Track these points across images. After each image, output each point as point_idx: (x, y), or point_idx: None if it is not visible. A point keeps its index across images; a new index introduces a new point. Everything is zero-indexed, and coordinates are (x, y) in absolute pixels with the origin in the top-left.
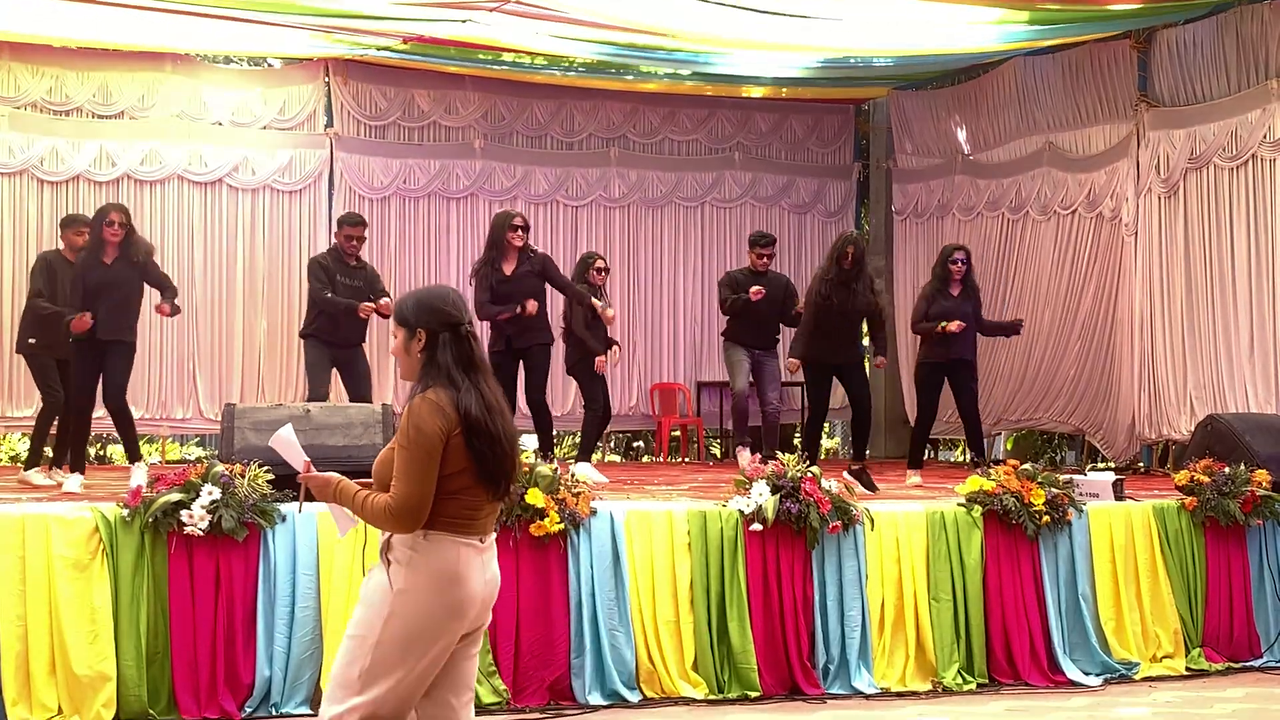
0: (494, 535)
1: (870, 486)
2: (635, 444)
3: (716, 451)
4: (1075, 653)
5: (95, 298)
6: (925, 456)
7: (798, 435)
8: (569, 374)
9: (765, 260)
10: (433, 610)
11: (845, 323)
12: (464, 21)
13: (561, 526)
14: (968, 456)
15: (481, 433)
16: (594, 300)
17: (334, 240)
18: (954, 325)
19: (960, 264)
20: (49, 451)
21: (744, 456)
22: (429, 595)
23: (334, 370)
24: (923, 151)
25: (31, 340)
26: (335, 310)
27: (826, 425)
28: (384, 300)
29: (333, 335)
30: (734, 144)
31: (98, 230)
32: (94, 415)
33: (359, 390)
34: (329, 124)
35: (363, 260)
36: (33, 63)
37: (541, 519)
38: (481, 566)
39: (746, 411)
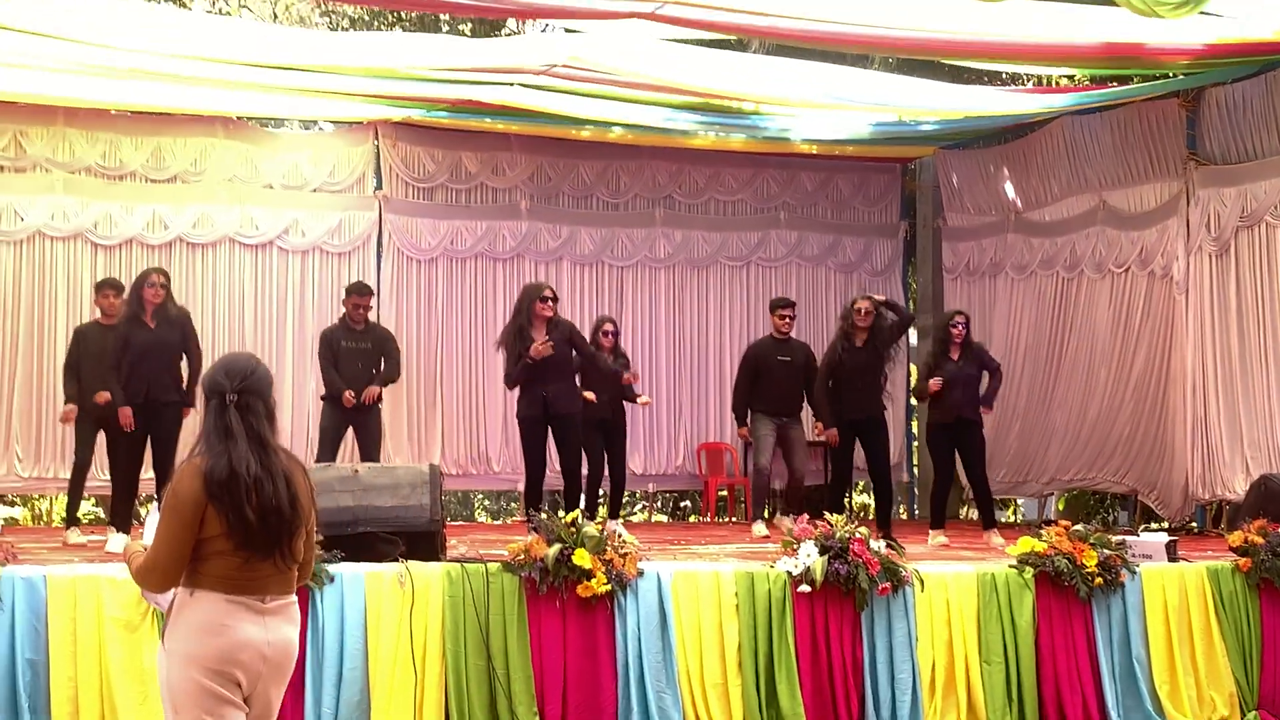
0: (287, 600)
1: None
2: (682, 504)
3: (764, 512)
4: (1129, 716)
5: (141, 360)
6: (960, 516)
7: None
8: None
9: (788, 323)
10: (191, 662)
11: (861, 379)
12: (511, 85)
13: (608, 588)
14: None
15: (226, 498)
16: (629, 378)
17: (343, 308)
18: (934, 383)
19: (960, 328)
20: (99, 512)
21: (758, 528)
22: (188, 647)
23: (348, 430)
24: (973, 210)
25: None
26: (332, 392)
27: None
28: (369, 389)
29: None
30: (779, 203)
31: (138, 293)
32: (142, 476)
33: (369, 452)
34: (378, 186)
35: (371, 323)
36: (88, 128)
37: (588, 580)
38: (259, 627)
39: (766, 488)
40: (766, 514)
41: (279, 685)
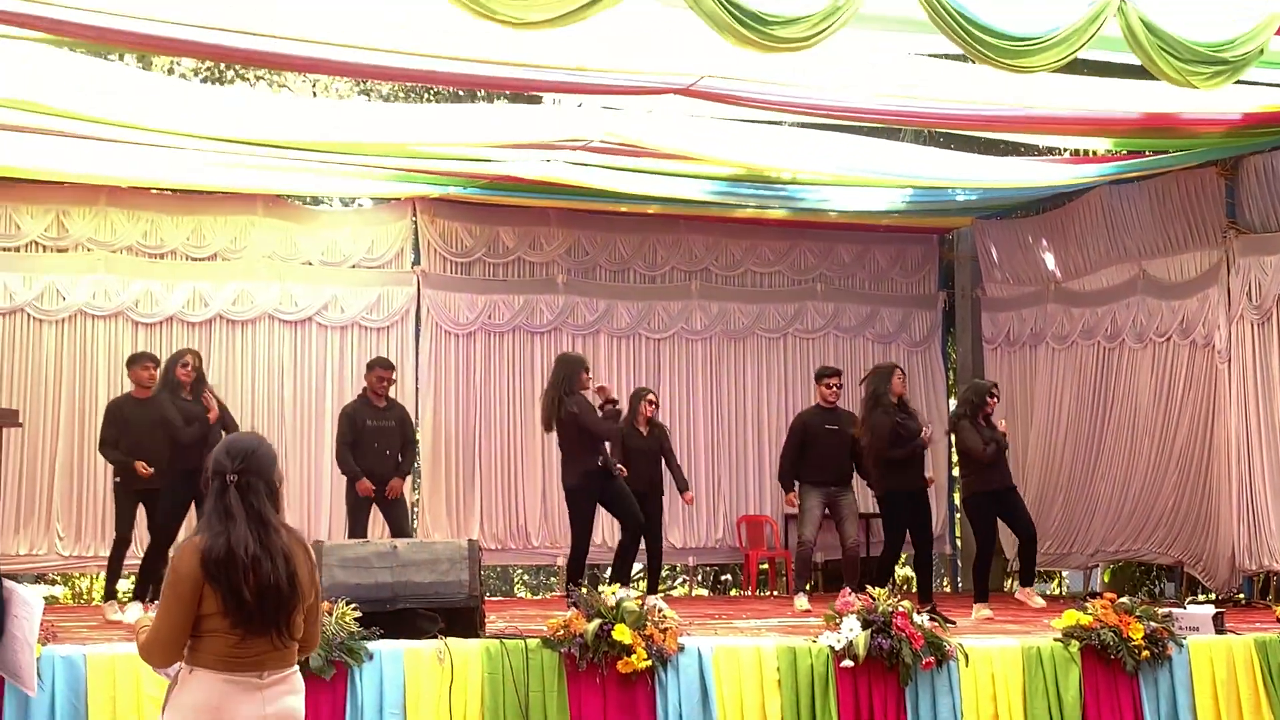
0: (285, 672)
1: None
2: (723, 577)
3: (807, 585)
4: None
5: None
6: (1004, 588)
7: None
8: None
9: (835, 392)
10: None
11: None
12: (548, 161)
13: (649, 663)
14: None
15: (222, 578)
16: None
17: (365, 383)
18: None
19: (997, 398)
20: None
21: (800, 601)
22: None
23: (374, 508)
24: (1012, 280)
25: (117, 479)
26: (348, 475)
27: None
28: (394, 483)
29: (371, 476)
30: (816, 274)
31: (171, 372)
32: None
33: (399, 526)
34: (416, 261)
35: (393, 400)
36: (129, 207)
37: (629, 655)
38: (256, 704)
39: (809, 561)
40: (809, 587)
41: None
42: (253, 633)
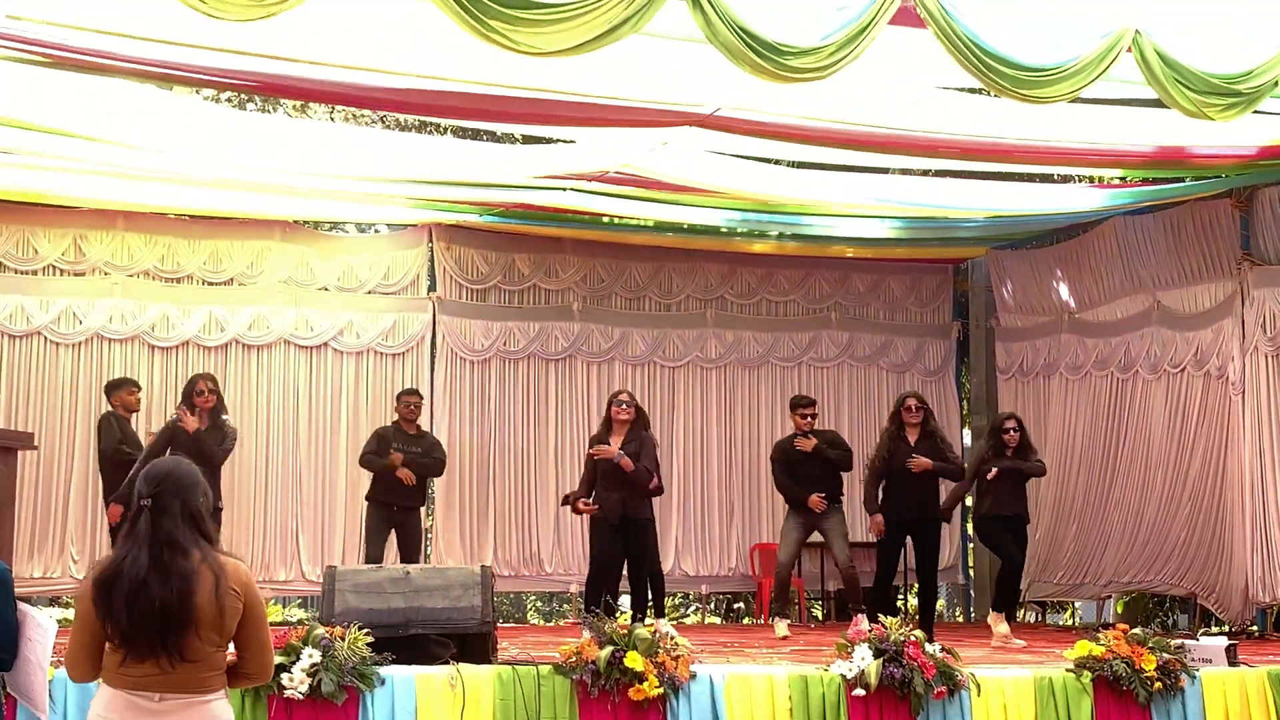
0: (187, 699)
1: None
2: (736, 605)
3: (818, 613)
4: None
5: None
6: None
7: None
8: None
9: (809, 421)
10: None
11: (913, 479)
12: (565, 190)
13: (661, 691)
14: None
15: (102, 599)
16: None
17: (395, 412)
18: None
19: (1012, 433)
20: None
21: (780, 628)
22: None
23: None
24: (1026, 310)
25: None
26: (373, 469)
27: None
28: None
29: (390, 498)
30: (831, 304)
31: (189, 399)
32: None
33: (409, 553)
34: (432, 288)
35: (423, 430)
36: (146, 231)
37: (640, 683)
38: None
39: (785, 586)
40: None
41: None
42: (135, 654)
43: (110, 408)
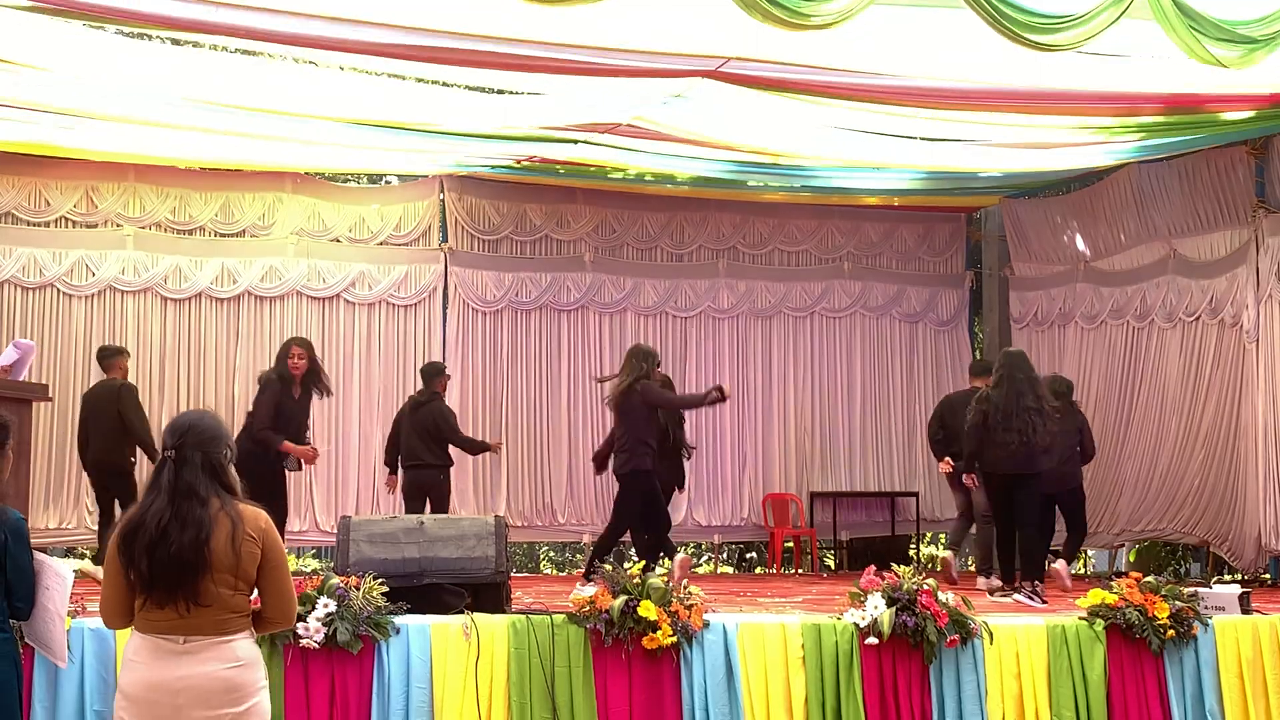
0: (210, 640)
1: None
2: (748, 555)
3: (830, 563)
4: None
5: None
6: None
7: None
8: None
9: None
10: (119, 690)
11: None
12: (576, 143)
13: (674, 639)
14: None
15: (126, 548)
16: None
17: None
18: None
19: None
20: None
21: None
22: (119, 678)
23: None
24: (1041, 259)
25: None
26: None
27: (943, 536)
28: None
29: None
30: (844, 253)
31: (282, 365)
32: None
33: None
34: (444, 239)
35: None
36: (158, 184)
37: (654, 632)
38: (171, 665)
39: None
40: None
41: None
42: (155, 600)
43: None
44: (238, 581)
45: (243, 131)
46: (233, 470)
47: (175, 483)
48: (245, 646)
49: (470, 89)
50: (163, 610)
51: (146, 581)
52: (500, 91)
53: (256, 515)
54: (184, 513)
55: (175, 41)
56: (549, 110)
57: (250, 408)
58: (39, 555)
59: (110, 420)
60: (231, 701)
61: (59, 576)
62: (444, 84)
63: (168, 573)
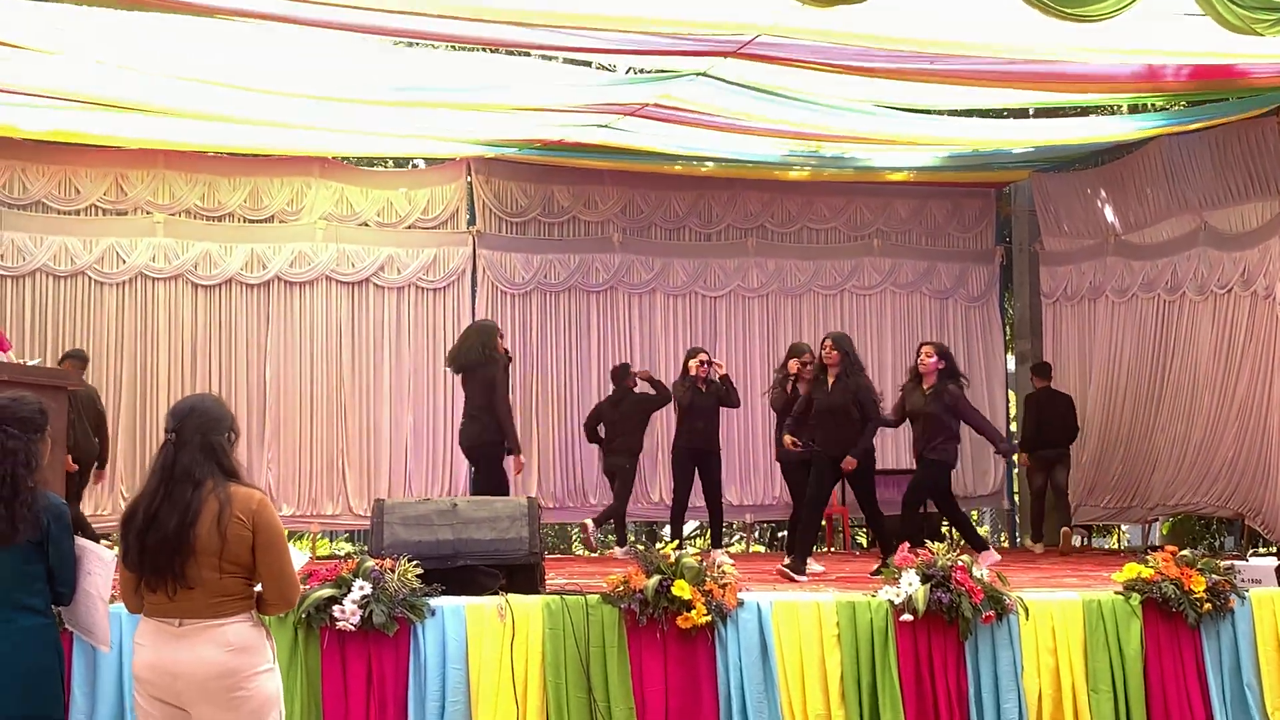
0: (205, 623)
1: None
2: (780, 534)
3: (863, 541)
4: None
5: None
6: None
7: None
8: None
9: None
10: (133, 672)
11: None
12: (602, 126)
13: (709, 618)
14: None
15: (124, 531)
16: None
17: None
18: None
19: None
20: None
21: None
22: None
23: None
24: (1071, 233)
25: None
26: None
27: (975, 513)
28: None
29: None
30: (873, 230)
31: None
32: None
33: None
34: (471, 221)
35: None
36: (187, 171)
37: (688, 611)
38: (169, 648)
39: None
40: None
41: (214, 704)
42: (148, 583)
43: None
44: (224, 564)
45: (270, 120)
46: (230, 454)
47: (172, 466)
48: (240, 630)
49: (508, 53)
50: (155, 594)
51: (137, 564)
52: (525, 54)
53: (249, 497)
54: (175, 496)
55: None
56: (575, 91)
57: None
58: (80, 540)
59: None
60: (227, 687)
61: (102, 561)
62: (479, 50)
63: (156, 556)
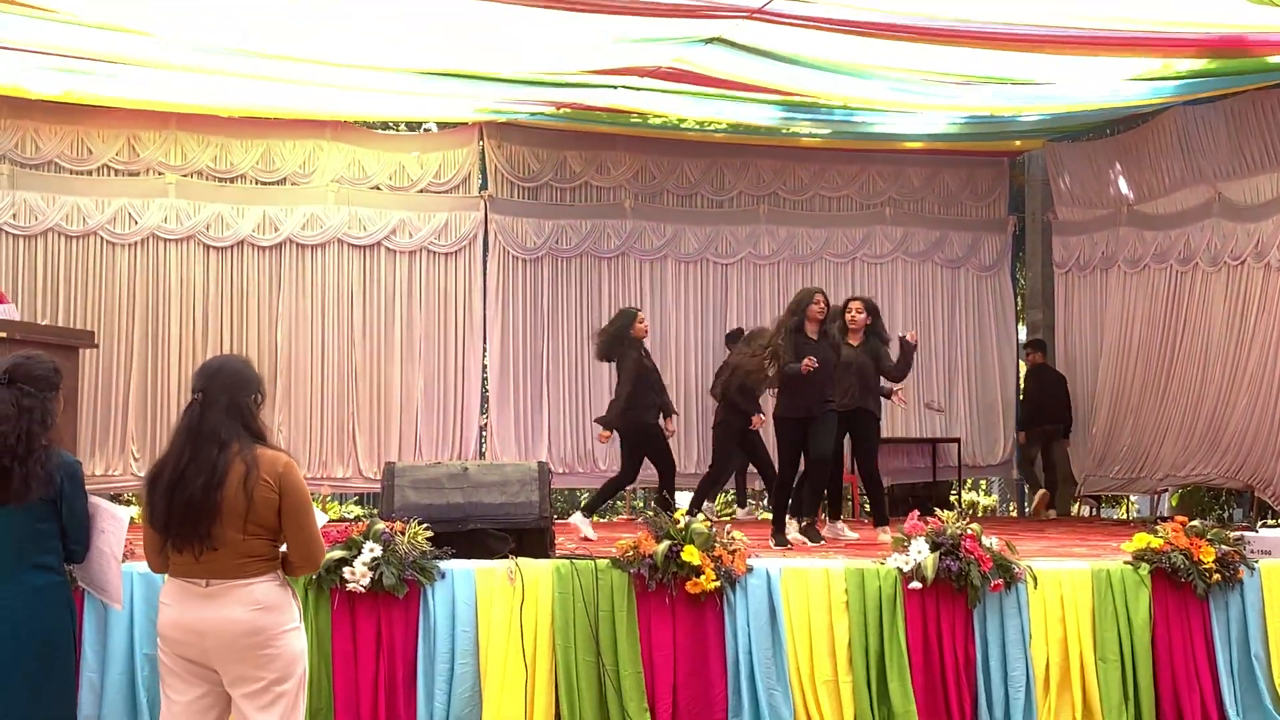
0: (233, 583)
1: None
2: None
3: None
4: (1248, 715)
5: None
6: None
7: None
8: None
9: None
10: (158, 631)
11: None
12: (615, 88)
13: (718, 584)
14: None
15: (149, 491)
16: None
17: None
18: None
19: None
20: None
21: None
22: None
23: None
24: (1084, 203)
25: None
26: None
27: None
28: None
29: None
30: (885, 199)
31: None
32: None
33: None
34: (483, 186)
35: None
36: (199, 132)
37: (698, 576)
38: (196, 608)
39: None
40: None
41: (243, 661)
42: (175, 543)
43: None
44: (249, 525)
45: (283, 77)
46: (256, 415)
47: (199, 426)
48: (267, 590)
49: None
50: (182, 554)
51: (163, 525)
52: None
53: (275, 459)
54: (202, 456)
55: None
56: (590, 53)
57: None
58: (93, 498)
59: None
60: (255, 644)
61: (115, 519)
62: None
63: (183, 516)
